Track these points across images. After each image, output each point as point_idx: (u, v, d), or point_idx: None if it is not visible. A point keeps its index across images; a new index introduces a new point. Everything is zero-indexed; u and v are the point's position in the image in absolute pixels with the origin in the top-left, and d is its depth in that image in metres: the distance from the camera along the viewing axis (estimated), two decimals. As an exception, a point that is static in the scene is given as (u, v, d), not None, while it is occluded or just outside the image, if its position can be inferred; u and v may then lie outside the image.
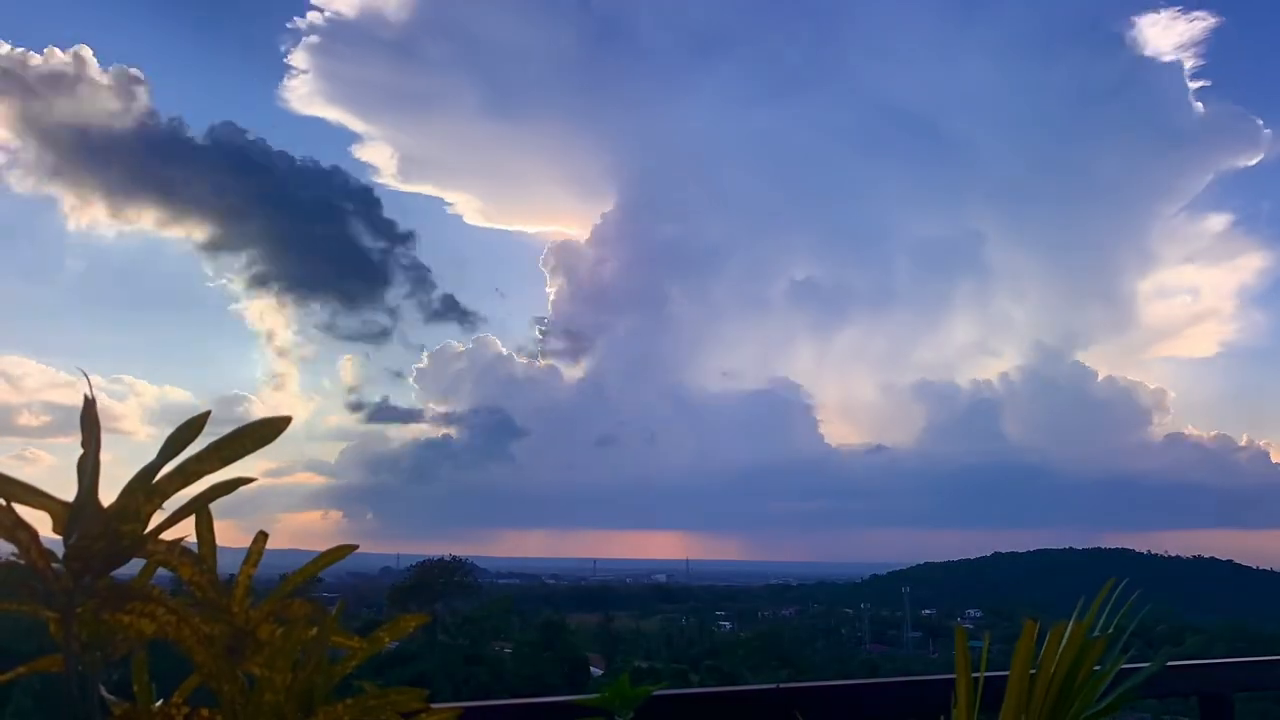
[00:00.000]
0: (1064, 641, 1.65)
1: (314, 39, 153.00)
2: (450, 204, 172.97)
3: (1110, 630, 1.76)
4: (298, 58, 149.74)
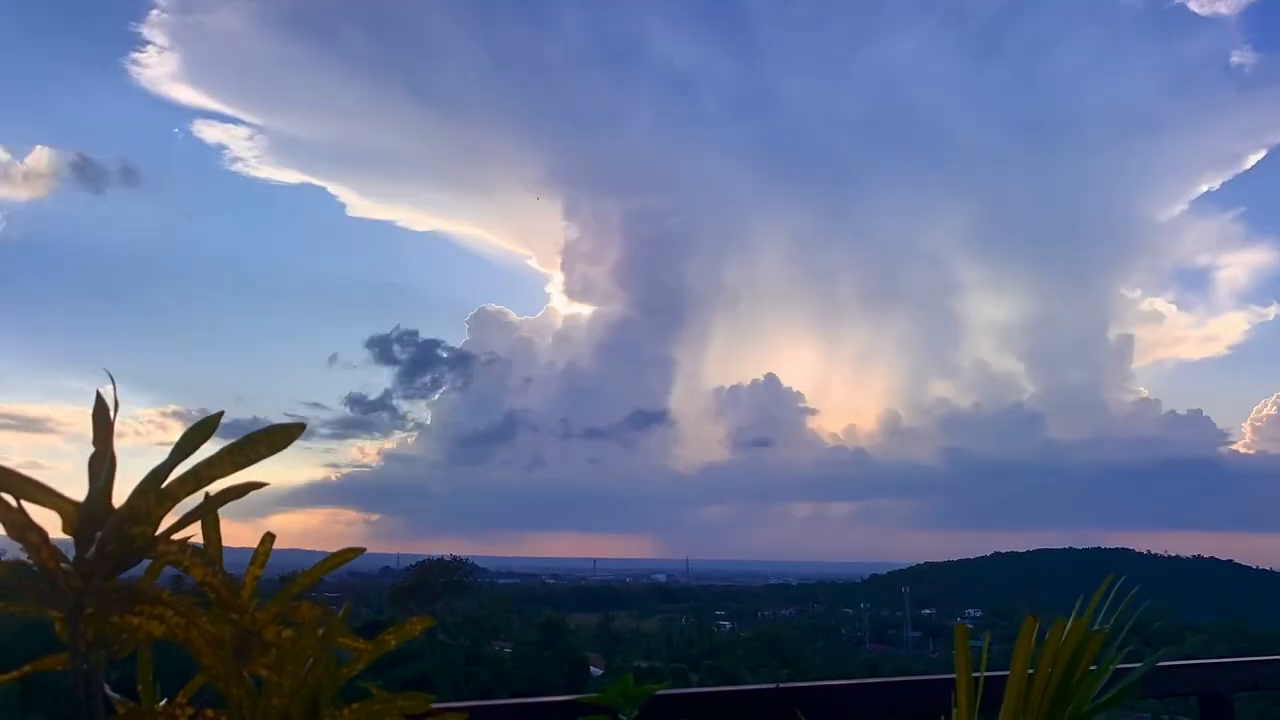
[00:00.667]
0: (1063, 639, 1.66)
1: (165, 15, 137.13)
2: (333, 194, 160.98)
3: (1108, 628, 1.76)
4: (151, 30, 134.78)
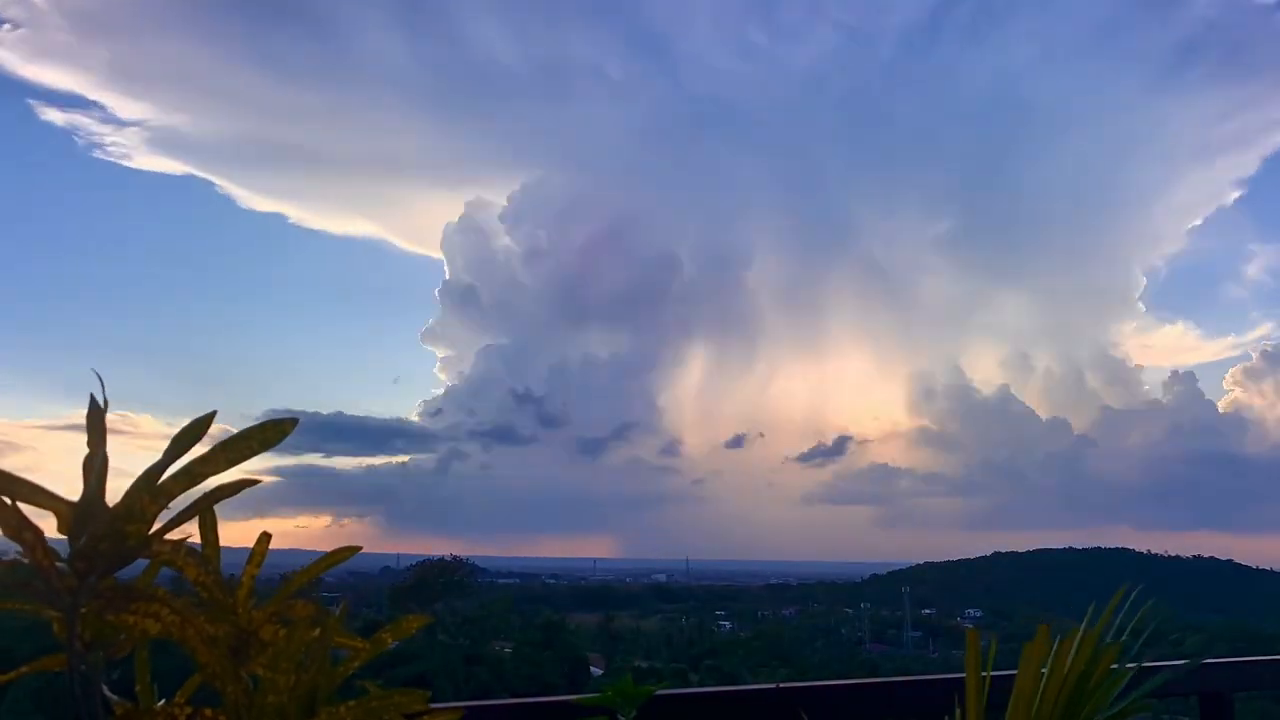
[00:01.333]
0: (1075, 647, 1.65)
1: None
2: (219, 185, 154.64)
3: (1124, 637, 1.76)
4: (8, 8, 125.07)
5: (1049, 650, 1.64)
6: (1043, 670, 1.66)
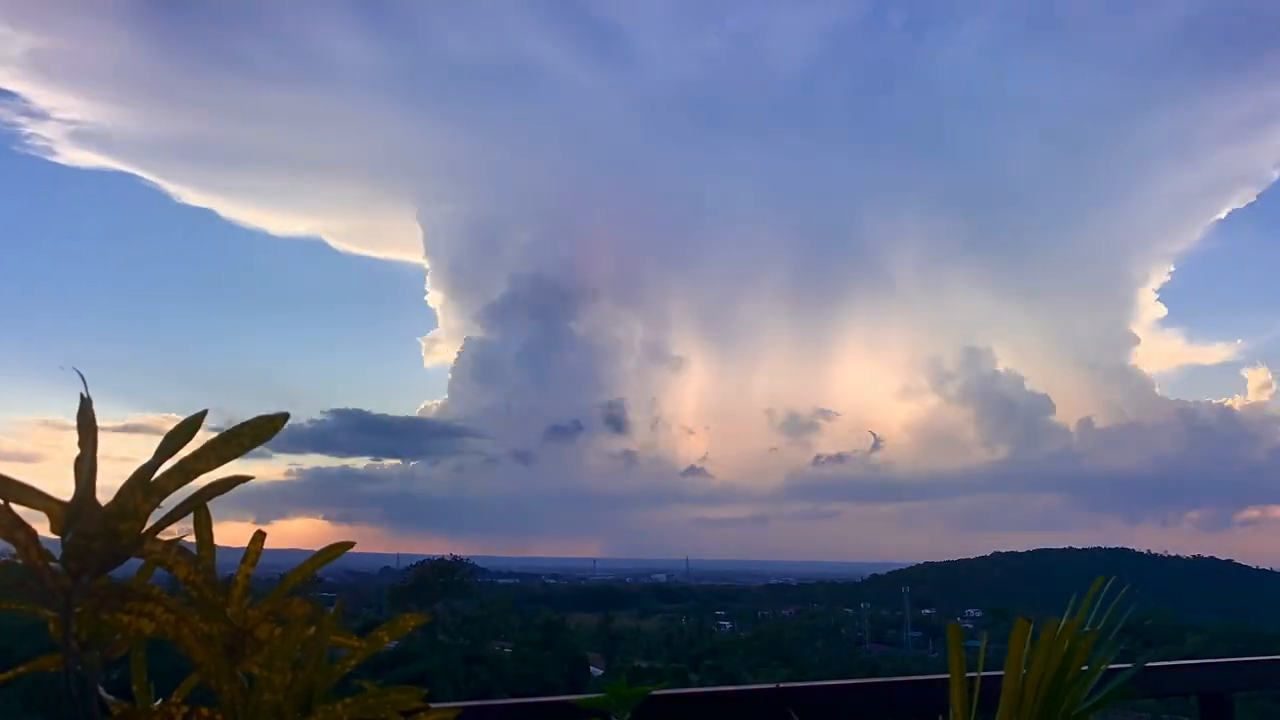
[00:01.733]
0: (1054, 640, 1.65)
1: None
2: (156, 183, 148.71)
3: (1099, 627, 1.76)
4: None
5: (1025, 643, 1.64)
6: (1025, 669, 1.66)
